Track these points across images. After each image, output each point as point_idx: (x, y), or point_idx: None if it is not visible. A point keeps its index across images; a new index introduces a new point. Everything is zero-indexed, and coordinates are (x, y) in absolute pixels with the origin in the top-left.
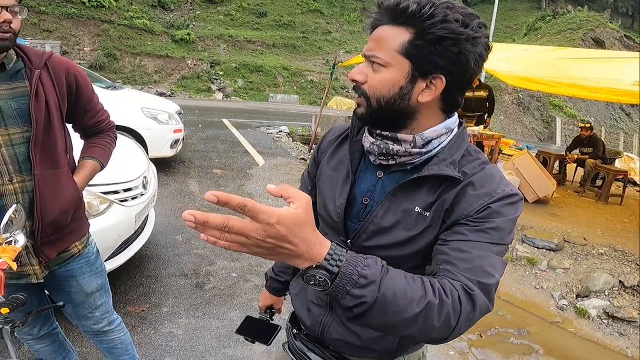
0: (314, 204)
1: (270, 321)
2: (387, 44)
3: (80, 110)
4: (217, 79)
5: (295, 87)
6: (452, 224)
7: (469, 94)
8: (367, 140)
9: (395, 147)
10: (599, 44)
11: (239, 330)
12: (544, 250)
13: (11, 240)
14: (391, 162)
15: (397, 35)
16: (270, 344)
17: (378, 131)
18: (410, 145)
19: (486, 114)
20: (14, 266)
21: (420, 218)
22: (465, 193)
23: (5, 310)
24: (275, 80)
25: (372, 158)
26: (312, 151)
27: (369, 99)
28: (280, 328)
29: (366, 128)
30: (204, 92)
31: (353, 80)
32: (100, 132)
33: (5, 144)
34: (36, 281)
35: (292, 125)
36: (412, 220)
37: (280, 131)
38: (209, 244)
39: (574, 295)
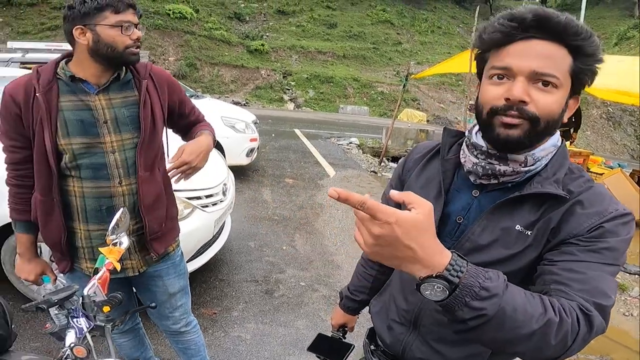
0: None
1: (343, 339)
2: (559, 64)
3: (182, 114)
4: (289, 89)
5: (365, 99)
6: (560, 243)
7: None
8: (469, 160)
9: (503, 168)
10: None
11: (311, 348)
12: (637, 276)
13: (117, 242)
14: (493, 181)
15: (562, 55)
16: None
17: (485, 148)
18: (520, 165)
19: (572, 129)
20: (118, 267)
21: (521, 237)
22: (573, 212)
23: (107, 309)
24: (345, 91)
25: (472, 178)
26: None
27: (539, 121)
28: (354, 347)
29: (466, 146)
30: (277, 102)
31: (521, 101)
32: (197, 124)
33: (119, 149)
34: (132, 274)
35: (362, 137)
36: (511, 239)
37: (350, 143)
38: (279, 252)
39: None
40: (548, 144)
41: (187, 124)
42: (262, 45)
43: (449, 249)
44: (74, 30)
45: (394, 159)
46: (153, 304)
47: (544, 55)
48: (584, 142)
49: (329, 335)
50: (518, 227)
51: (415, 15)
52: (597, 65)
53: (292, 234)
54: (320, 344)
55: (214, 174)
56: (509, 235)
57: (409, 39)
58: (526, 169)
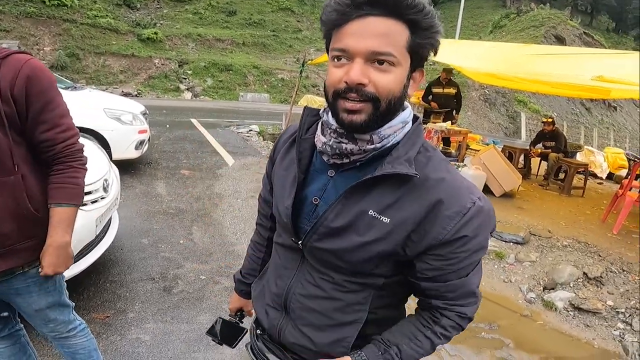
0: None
1: (240, 324)
2: (395, 41)
3: (34, 121)
4: (185, 79)
5: (265, 86)
6: (429, 247)
7: (439, 90)
8: (320, 140)
9: (350, 146)
10: (560, 40)
11: (209, 332)
12: (512, 243)
13: None
14: (345, 160)
15: (398, 31)
16: (234, 346)
17: (335, 127)
18: (366, 143)
19: (454, 111)
20: None
21: (375, 222)
22: (438, 213)
23: None
24: (245, 79)
25: (325, 158)
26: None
27: (380, 101)
28: (247, 331)
29: (320, 125)
30: (172, 92)
31: (359, 84)
32: (58, 158)
33: None
34: None
35: (263, 124)
36: (364, 224)
37: (250, 130)
38: (176, 246)
39: (541, 288)
40: (396, 120)
41: (39, 143)
42: (155, 33)
43: (307, 231)
44: None
45: None
46: (5, 314)
47: (379, 33)
48: (466, 122)
49: (227, 319)
50: (371, 212)
51: (315, 3)
52: (436, 37)
53: (189, 226)
54: (219, 328)
55: (92, 170)
56: (362, 220)
57: (309, 26)
58: (372, 146)
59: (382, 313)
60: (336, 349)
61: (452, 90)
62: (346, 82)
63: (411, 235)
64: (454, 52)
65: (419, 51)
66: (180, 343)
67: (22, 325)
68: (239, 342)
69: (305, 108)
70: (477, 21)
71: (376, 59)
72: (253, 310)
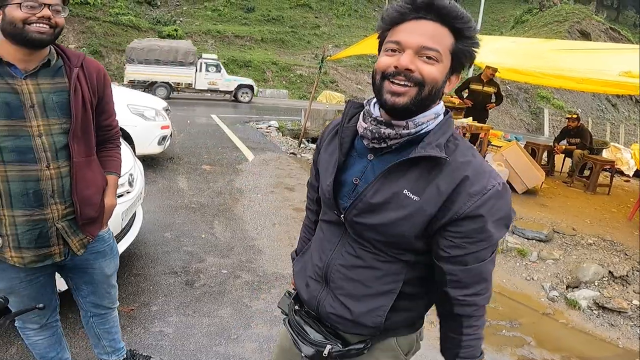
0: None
1: None
2: (441, 41)
3: (100, 110)
4: None
5: (284, 82)
6: (451, 221)
7: (477, 87)
8: (361, 125)
9: (387, 131)
10: (585, 36)
11: (280, 303)
12: (534, 241)
13: None
14: (383, 145)
15: (445, 35)
16: None
17: (375, 115)
18: (402, 129)
19: (495, 103)
20: None
21: (408, 201)
22: (464, 186)
23: None
24: (264, 75)
25: (365, 142)
26: (311, 150)
27: (424, 86)
28: None
29: (361, 115)
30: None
31: (407, 69)
32: (109, 139)
33: (46, 133)
34: (59, 260)
35: (281, 120)
36: (400, 202)
37: (269, 126)
38: (198, 241)
39: (565, 286)
40: (430, 111)
41: (103, 125)
42: (176, 30)
43: (346, 207)
44: None
45: (313, 140)
46: (41, 305)
47: (429, 33)
48: (488, 118)
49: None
50: (406, 191)
51: None
52: (474, 48)
53: (211, 221)
54: (285, 300)
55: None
56: (398, 198)
57: (327, 22)
58: (407, 131)
59: (412, 288)
60: (372, 318)
61: (492, 89)
62: (396, 67)
63: (438, 212)
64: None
65: (459, 56)
66: (202, 336)
67: (59, 317)
68: None
69: (349, 101)
70: (499, 16)
71: (424, 54)
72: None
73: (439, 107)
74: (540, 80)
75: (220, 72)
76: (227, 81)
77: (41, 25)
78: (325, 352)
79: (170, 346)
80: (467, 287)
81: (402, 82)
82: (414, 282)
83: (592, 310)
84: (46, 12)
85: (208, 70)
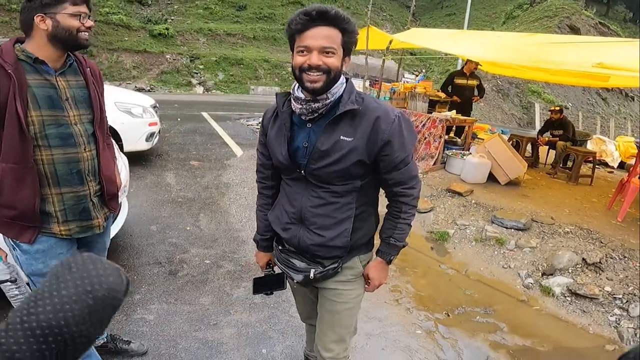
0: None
1: (274, 272)
2: (334, 40)
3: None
4: (197, 73)
5: (276, 79)
6: (382, 146)
7: (462, 81)
8: (296, 107)
9: (315, 105)
10: (575, 31)
11: (255, 291)
12: (513, 230)
13: None
14: (315, 115)
15: (336, 34)
16: (286, 287)
17: (303, 97)
18: (325, 100)
19: (478, 96)
20: None
21: (345, 143)
22: (379, 123)
23: None
24: (256, 72)
25: (303, 117)
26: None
27: (330, 72)
28: (283, 272)
29: (292, 100)
30: (185, 87)
31: (317, 66)
32: (105, 132)
33: (79, 122)
34: (99, 231)
35: None
36: (339, 145)
37: (260, 123)
38: (183, 233)
39: (540, 274)
40: (338, 83)
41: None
42: (167, 29)
43: (305, 165)
44: (35, 18)
45: None
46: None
47: (325, 36)
48: (479, 113)
49: (263, 275)
50: (341, 136)
51: None
52: (355, 37)
53: (197, 214)
54: (259, 284)
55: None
56: (337, 143)
57: None
58: (329, 101)
59: (362, 209)
60: (341, 239)
61: (475, 82)
62: (309, 64)
63: (367, 146)
64: (461, 42)
65: (348, 45)
66: (182, 322)
67: None
68: (286, 282)
69: (277, 94)
70: (490, 12)
71: (325, 51)
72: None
73: (342, 78)
74: (519, 72)
75: None
76: None
77: (87, 33)
78: (311, 275)
79: (151, 332)
80: (405, 183)
81: (315, 73)
82: (363, 206)
83: (565, 297)
84: (91, 22)
85: None
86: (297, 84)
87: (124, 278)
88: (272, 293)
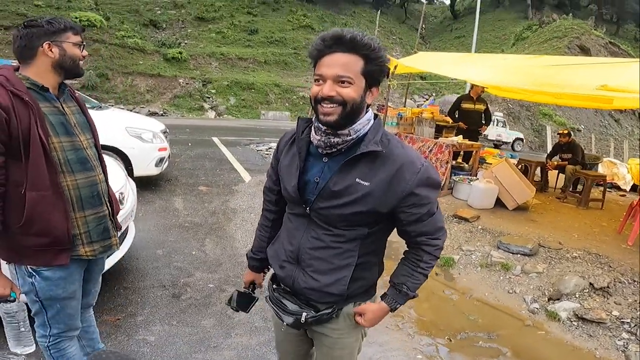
0: (281, 191)
1: (252, 294)
2: (352, 68)
3: None
4: (209, 97)
5: (287, 104)
6: (403, 197)
7: (469, 105)
8: (315, 138)
9: (335, 140)
10: (585, 51)
11: (228, 302)
12: (519, 255)
13: None
14: (333, 150)
15: (355, 61)
16: (248, 311)
17: (324, 129)
18: (346, 136)
19: (484, 123)
20: None
21: (360, 186)
22: (403, 173)
23: None
24: (267, 97)
25: (320, 150)
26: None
27: (346, 104)
28: (257, 299)
29: (313, 129)
30: (197, 111)
31: (329, 96)
32: None
33: (88, 147)
34: (116, 250)
35: None
36: (354, 188)
37: (269, 148)
38: (188, 257)
39: (546, 299)
40: (363, 119)
41: None
42: (180, 53)
43: (313, 200)
44: (44, 45)
45: None
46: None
47: (342, 64)
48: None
49: (242, 291)
50: (357, 179)
51: (335, 20)
52: (384, 64)
53: (203, 239)
54: (234, 298)
55: (111, 183)
56: (352, 186)
57: None
58: (350, 137)
59: (366, 258)
60: (337, 287)
61: (482, 107)
62: (322, 95)
63: (385, 194)
64: (466, 66)
65: (371, 74)
66: (183, 344)
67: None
68: (251, 307)
69: (299, 118)
70: (500, 34)
71: (339, 80)
72: (262, 282)
73: (370, 114)
74: (523, 95)
75: (505, 127)
76: (509, 134)
77: (83, 62)
78: (302, 319)
79: (151, 353)
80: (431, 234)
81: (329, 105)
82: (366, 255)
83: (572, 321)
84: (85, 52)
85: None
86: None
87: None
88: (237, 310)
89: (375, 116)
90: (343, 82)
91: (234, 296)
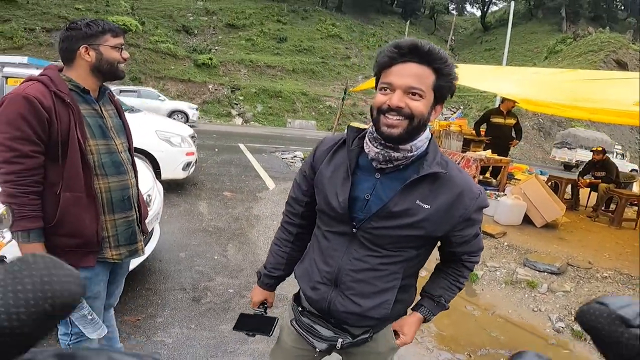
0: (311, 203)
1: (265, 314)
2: (424, 81)
3: None
4: (237, 104)
5: (313, 113)
6: (461, 221)
7: (499, 120)
8: (373, 150)
9: (396, 154)
10: (622, 66)
11: (237, 327)
12: (546, 273)
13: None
14: (389, 165)
15: (427, 74)
16: (272, 334)
17: (383, 142)
18: (407, 152)
19: (515, 138)
20: None
21: (421, 209)
22: (462, 198)
23: None
24: (294, 105)
25: (374, 163)
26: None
27: (414, 117)
28: (278, 319)
29: (369, 141)
30: (224, 117)
31: (397, 107)
32: None
33: (123, 150)
34: (142, 254)
35: (306, 151)
36: (414, 210)
37: (294, 156)
38: (210, 261)
39: (573, 318)
40: (423, 136)
41: None
42: (210, 59)
43: (361, 220)
44: (80, 48)
45: None
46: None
47: (414, 75)
48: (519, 152)
49: (252, 313)
50: (418, 201)
51: (364, 30)
52: (453, 82)
53: (225, 244)
54: (244, 322)
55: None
56: (413, 207)
57: (357, 53)
58: (411, 154)
59: (408, 281)
60: (380, 310)
61: (512, 121)
62: (389, 105)
63: (443, 219)
64: (496, 79)
65: (441, 90)
66: (200, 348)
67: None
68: (274, 329)
69: (349, 126)
70: (532, 47)
71: (411, 92)
72: (273, 300)
73: (427, 132)
74: (557, 110)
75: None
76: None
77: (124, 64)
78: (338, 345)
79: (168, 355)
80: (474, 253)
81: (395, 117)
82: (409, 278)
83: None
84: (127, 54)
85: None
86: None
87: (82, 287)
88: (254, 335)
89: (430, 134)
90: (414, 94)
91: (243, 320)
